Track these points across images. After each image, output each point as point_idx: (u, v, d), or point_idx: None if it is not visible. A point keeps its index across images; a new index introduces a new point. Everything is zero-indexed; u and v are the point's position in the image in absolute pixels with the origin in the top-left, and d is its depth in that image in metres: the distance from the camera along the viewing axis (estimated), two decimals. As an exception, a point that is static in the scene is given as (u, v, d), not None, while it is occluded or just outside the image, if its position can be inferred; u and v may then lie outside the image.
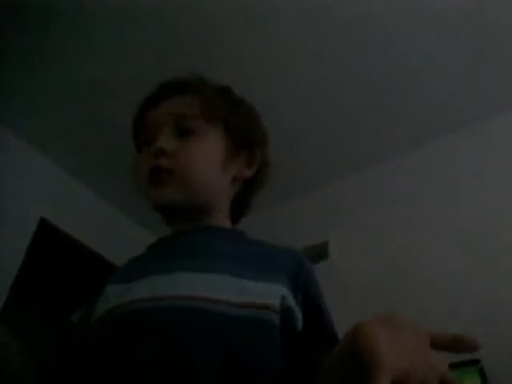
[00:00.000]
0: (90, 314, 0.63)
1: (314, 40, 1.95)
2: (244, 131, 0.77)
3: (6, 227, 2.05)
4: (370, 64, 2.02)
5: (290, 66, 2.03)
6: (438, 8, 1.82)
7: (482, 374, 1.54)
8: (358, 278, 2.04)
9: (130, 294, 0.60)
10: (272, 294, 0.61)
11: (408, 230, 2.07)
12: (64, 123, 2.26)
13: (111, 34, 1.95)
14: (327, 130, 2.25)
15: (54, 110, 2.20)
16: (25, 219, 2.16)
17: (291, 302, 0.62)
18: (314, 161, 2.35)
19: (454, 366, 1.73)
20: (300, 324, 0.62)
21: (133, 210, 2.57)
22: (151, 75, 1.97)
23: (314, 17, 1.87)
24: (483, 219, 1.91)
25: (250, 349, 0.56)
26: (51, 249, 2.32)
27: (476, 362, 1.57)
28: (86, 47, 1.99)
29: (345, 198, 2.36)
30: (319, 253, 2.16)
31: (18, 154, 2.26)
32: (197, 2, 1.84)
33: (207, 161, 0.72)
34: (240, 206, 0.80)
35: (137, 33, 1.95)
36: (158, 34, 1.95)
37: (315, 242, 2.23)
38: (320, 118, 2.21)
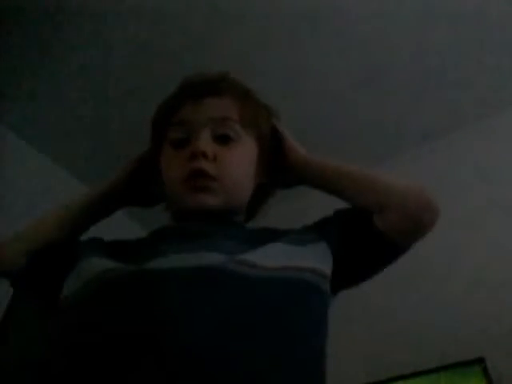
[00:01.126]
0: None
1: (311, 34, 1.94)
2: (269, 138, 0.78)
3: (6, 226, 2.04)
4: (369, 64, 2.01)
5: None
6: (438, 8, 1.81)
7: (486, 374, 1.53)
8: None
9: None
10: (309, 257, 0.63)
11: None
12: (64, 123, 2.26)
13: (112, 35, 1.95)
14: (328, 129, 2.25)
15: (54, 108, 2.20)
16: (24, 218, 2.15)
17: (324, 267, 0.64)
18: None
19: (458, 365, 1.73)
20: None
21: (133, 209, 2.57)
22: (152, 75, 2.02)
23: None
24: (485, 217, 1.90)
25: (286, 310, 0.55)
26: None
27: (480, 361, 1.55)
28: (87, 47, 1.98)
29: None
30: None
31: (18, 152, 2.25)
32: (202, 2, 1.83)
33: (246, 168, 0.73)
34: (251, 210, 0.80)
35: (139, 33, 1.94)
36: (160, 34, 1.94)
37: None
38: (320, 116, 2.21)
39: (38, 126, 2.26)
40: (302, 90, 2.11)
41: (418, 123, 2.21)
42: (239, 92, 0.77)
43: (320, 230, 0.71)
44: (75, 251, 0.69)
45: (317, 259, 0.64)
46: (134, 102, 2.08)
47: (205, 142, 0.70)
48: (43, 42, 1.94)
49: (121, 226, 2.44)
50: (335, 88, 2.10)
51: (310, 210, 2.37)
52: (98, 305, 0.55)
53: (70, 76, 2.07)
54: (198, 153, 0.69)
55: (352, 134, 2.28)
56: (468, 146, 2.14)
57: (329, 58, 2.00)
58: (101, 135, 2.30)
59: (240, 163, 0.72)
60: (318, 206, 2.34)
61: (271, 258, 0.60)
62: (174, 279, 0.55)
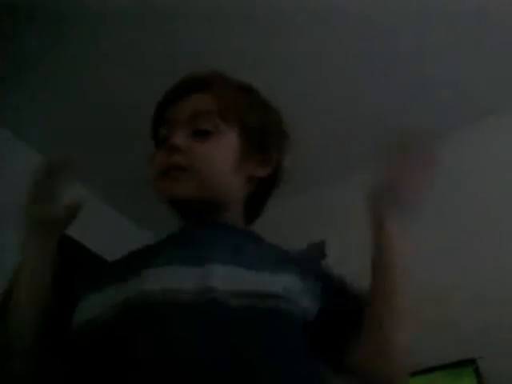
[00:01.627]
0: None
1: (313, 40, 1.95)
2: (259, 132, 0.77)
3: (4, 227, 2.05)
4: (368, 64, 2.02)
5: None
6: (438, 8, 1.82)
7: (478, 374, 1.55)
8: (356, 277, 2.03)
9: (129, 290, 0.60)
10: (276, 282, 0.62)
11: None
12: (62, 123, 2.25)
13: (112, 35, 1.95)
14: (327, 130, 2.26)
15: (52, 109, 2.20)
16: (13, 216, 2.15)
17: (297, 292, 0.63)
18: (314, 161, 2.35)
19: (449, 366, 1.75)
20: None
21: (130, 210, 2.57)
22: (152, 77, 2.02)
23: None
24: (482, 219, 1.92)
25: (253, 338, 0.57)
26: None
27: (472, 361, 1.57)
28: (87, 48, 1.99)
29: (344, 197, 2.36)
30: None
31: (16, 153, 2.25)
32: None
33: (220, 161, 0.73)
34: (254, 206, 0.80)
35: (139, 34, 1.95)
36: (161, 35, 1.95)
37: (313, 241, 2.23)
38: (319, 117, 2.22)
39: (36, 126, 2.25)
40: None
41: (418, 123, 2.19)
42: (222, 86, 0.78)
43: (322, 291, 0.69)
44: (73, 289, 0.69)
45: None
46: (134, 103, 2.08)
47: (177, 136, 0.72)
48: (43, 42, 1.95)
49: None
50: (332, 88, 2.11)
51: (306, 210, 2.40)
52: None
53: (70, 77, 2.07)
54: (170, 146, 0.71)
55: (352, 134, 2.28)
56: (468, 146, 2.16)
57: (328, 56, 2.01)
58: (95, 134, 2.30)
59: (214, 153, 0.72)
60: (317, 205, 2.38)
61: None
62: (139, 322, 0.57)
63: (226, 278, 0.59)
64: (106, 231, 2.45)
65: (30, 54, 1.97)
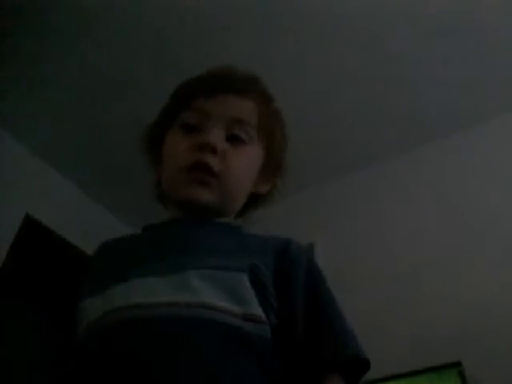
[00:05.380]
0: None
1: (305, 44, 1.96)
2: (280, 157, 0.79)
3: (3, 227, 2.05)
4: (367, 63, 2.03)
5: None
6: (436, 8, 1.83)
7: (462, 377, 1.56)
8: (344, 280, 2.05)
9: (108, 303, 0.59)
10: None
11: (395, 233, 2.09)
12: (52, 122, 2.24)
13: (112, 35, 1.94)
14: (316, 131, 2.27)
15: (44, 108, 2.19)
16: (10, 215, 2.14)
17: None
18: (302, 162, 2.36)
19: (434, 369, 1.75)
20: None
21: (119, 208, 2.57)
22: (152, 77, 2.01)
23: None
24: (475, 222, 1.94)
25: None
26: (35, 246, 2.30)
27: (456, 364, 1.59)
28: (86, 48, 1.98)
29: (331, 199, 2.37)
30: (305, 254, 2.16)
31: (4, 149, 2.23)
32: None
33: (248, 173, 0.73)
34: (242, 215, 0.80)
35: (139, 34, 1.94)
36: (161, 35, 1.94)
37: (301, 243, 2.24)
38: (309, 119, 2.22)
39: (28, 124, 2.24)
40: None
41: (418, 124, 2.21)
42: (263, 97, 0.76)
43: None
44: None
45: None
46: (134, 103, 2.07)
47: (217, 136, 0.68)
48: (42, 43, 1.93)
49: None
50: (335, 85, 2.11)
51: (293, 212, 2.40)
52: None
53: (70, 77, 2.06)
54: (207, 145, 0.67)
55: (351, 134, 2.29)
56: (459, 149, 2.18)
57: (329, 55, 2.02)
58: (88, 133, 2.29)
59: (245, 166, 0.71)
60: (305, 207, 2.38)
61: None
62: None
63: (200, 288, 0.57)
64: (92, 228, 2.44)
65: (29, 55, 1.96)
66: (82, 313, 0.62)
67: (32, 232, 2.23)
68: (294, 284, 0.62)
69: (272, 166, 0.77)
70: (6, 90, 2.08)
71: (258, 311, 0.56)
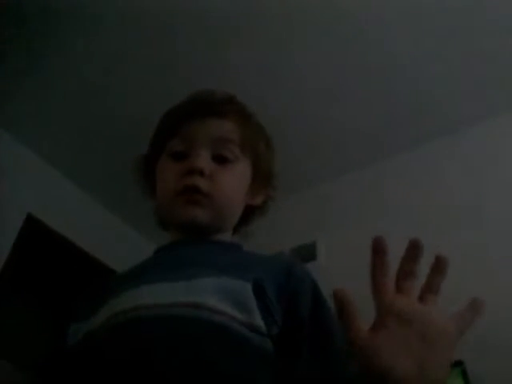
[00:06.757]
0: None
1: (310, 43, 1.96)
2: (267, 164, 0.83)
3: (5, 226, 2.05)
4: (366, 64, 2.03)
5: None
6: (436, 7, 1.83)
7: (465, 376, 1.56)
8: (345, 279, 2.04)
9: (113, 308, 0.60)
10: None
11: (397, 231, 2.08)
12: (53, 121, 2.25)
13: (112, 36, 1.94)
14: (317, 131, 2.27)
15: (45, 108, 2.19)
16: (12, 215, 2.15)
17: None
18: (303, 161, 2.36)
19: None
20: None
21: (120, 208, 2.57)
22: (151, 77, 2.01)
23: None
24: (475, 222, 1.94)
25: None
26: (37, 245, 2.31)
27: (459, 363, 1.58)
28: (86, 48, 1.98)
29: (333, 198, 2.37)
30: (307, 254, 2.17)
31: (6, 149, 2.24)
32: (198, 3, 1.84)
33: (237, 189, 0.77)
34: (240, 228, 0.83)
35: (138, 35, 1.94)
36: (161, 36, 1.94)
37: (303, 242, 2.24)
38: (309, 119, 2.22)
39: (27, 124, 2.25)
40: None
41: (419, 123, 2.21)
42: (242, 116, 0.81)
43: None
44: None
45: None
46: (134, 103, 2.08)
47: (204, 159, 0.73)
48: (42, 43, 1.94)
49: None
50: (335, 85, 2.12)
51: (296, 211, 2.40)
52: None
53: (69, 77, 2.07)
54: (195, 169, 0.71)
55: (351, 134, 2.29)
56: (462, 148, 2.17)
57: (321, 56, 2.02)
58: (88, 133, 2.29)
59: (233, 183, 0.75)
60: (307, 206, 2.38)
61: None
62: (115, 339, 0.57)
63: (214, 291, 0.59)
64: (94, 228, 2.44)
65: (29, 55, 1.96)
66: (81, 324, 0.64)
67: (34, 231, 2.24)
68: (302, 301, 0.64)
69: (261, 179, 0.81)
70: (7, 90, 2.08)
71: (259, 321, 0.58)
